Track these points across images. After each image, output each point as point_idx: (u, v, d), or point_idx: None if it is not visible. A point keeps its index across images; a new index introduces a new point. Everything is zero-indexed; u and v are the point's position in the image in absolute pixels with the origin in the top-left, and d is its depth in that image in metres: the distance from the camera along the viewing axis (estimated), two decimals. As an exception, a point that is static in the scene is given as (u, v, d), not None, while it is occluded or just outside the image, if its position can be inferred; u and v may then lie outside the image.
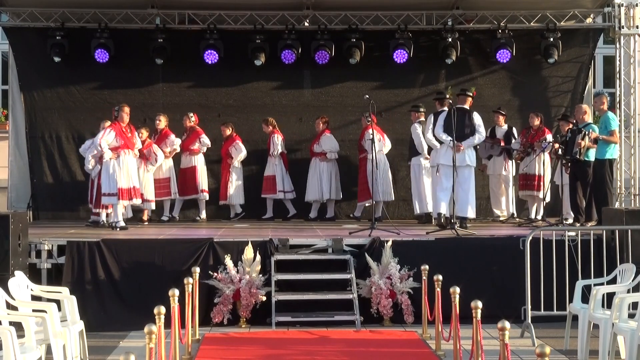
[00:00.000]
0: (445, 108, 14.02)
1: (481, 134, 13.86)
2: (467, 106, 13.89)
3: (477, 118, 13.82)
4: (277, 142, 16.17)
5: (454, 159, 13.24)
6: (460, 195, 13.53)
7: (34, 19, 16.27)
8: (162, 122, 15.82)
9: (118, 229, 13.47)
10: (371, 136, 13.95)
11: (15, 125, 16.81)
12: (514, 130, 15.91)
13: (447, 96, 14.82)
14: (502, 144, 15.68)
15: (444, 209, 13.75)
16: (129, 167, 13.80)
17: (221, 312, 11.21)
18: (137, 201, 14.11)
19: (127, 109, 13.94)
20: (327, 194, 16.30)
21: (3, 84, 19.56)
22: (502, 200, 15.94)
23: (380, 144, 15.86)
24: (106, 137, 13.58)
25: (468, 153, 13.67)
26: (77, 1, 15.87)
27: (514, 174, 15.87)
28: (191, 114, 15.98)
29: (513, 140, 15.70)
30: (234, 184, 16.21)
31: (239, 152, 16.15)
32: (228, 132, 16.27)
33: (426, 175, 15.38)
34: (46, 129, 16.79)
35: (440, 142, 13.85)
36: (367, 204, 15.99)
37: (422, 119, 15.45)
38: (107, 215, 14.28)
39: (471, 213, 13.76)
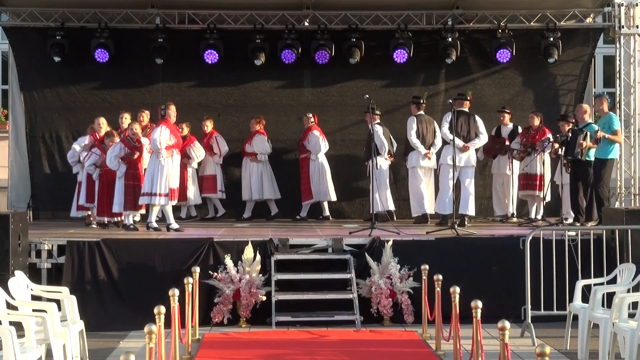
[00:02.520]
0: (422, 112, 15.14)
1: (485, 135, 14.85)
2: (466, 109, 14.60)
3: (480, 121, 14.64)
4: (224, 143, 16.18)
5: (454, 159, 13.63)
6: (464, 193, 14.39)
7: (34, 19, 16.26)
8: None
9: (172, 230, 13.26)
10: (372, 132, 13.99)
11: (15, 125, 16.80)
12: (519, 129, 15.86)
13: (423, 101, 15.19)
14: (507, 142, 15.67)
15: (449, 210, 14.33)
16: (178, 167, 13.63)
17: (221, 311, 11.23)
18: (174, 202, 13.83)
19: (173, 107, 13.61)
20: (256, 194, 16.26)
21: (3, 83, 19.54)
22: (505, 200, 15.90)
23: (324, 145, 16.17)
24: (164, 135, 13.13)
25: (472, 154, 14.39)
26: (77, 1, 15.86)
27: (517, 174, 15.81)
28: (146, 112, 15.48)
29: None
30: (194, 185, 16.11)
31: (200, 153, 15.77)
32: (186, 131, 15.84)
33: (385, 176, 15.64)
34: (46, 128, 16.78)
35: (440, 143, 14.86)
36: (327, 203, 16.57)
37: (378, 120, 15.70)
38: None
39: (472, 210, 14.44)
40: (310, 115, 16.37)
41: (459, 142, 14.30)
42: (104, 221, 14.10)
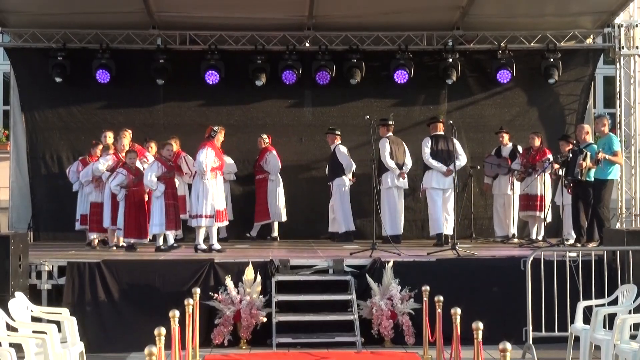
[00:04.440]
0: (390, 133, 15.46)
1: (464, 156, 15.12)
2: (441, 132, 15.05)
3: (457, 143, 14.76)
4: (191, 163, 15.56)
5: (449, 182, 14.35)
6: (446, 215, 14.80)
7: (36, 40, 16.32)
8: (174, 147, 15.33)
9: (215, 251, 13.16)
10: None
11: (16, 146, 16.83)
12: (519, 147, 15.87)
13: (391, 122, 15.56)
14: (509, 162, 15.67)
15: (444, 229, 14.78)
16: (222, 188, 13.67)
17: (222, 333, 11.19)
18: (224, 223, 13.81)
19: (224, 133, 13.79)
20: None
21: (4, 104, 19.59)
22: (506, 220, 15.87)
23: (279, 166, 16.32)
24: (209, 157, 13.23)
25: (453, 176, 14.30)
26: (79, 22, 15.93)
27: (518, 194, 15.78)
28: (128, 131, 15.13)
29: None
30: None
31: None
32: (175, 147, 15.21)
33: (347, 196, 15.99)
34: (47, 149, 16.79)
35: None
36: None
37: (340, 141, 16.05)
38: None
39: (450, 230, 14.37)
40: (265, 136, 16.43)
41: (443, 167, 14.79)
42: (131, 243, 13.75)
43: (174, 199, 13.77)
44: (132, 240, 13.75)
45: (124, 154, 14.31)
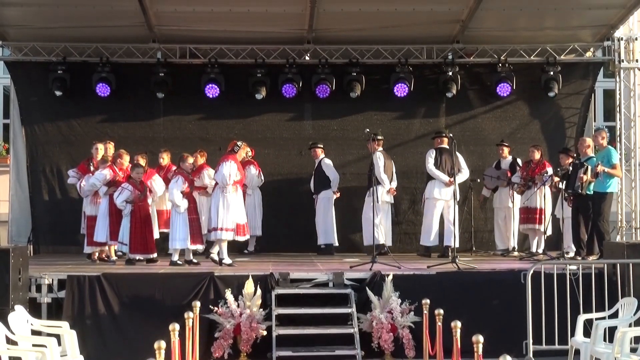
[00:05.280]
0: (381, 148, 15.50)
1: (466, 170, 15.38)
2: (446, 146, 15.22)
3: (460, 157, 15.19)
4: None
5: (451, 193, 14.26)
6: (448, 226, 15.04)
7: (36, 53, 16.34)
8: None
9: (225, 265, 13.07)
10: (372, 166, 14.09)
11: (16, 159, 16.82)
12: (519, 160, 15.87)
13: (380, 137, 15.58)
14: (509, 174, 15.67)
15: (434, 243, 15.29)
16: (242, 202, 13.59)
17: (222, 346, 11.18)
18: (243, 238, 13.63)
19: (246, 149, 13.96)
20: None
21: (5, 117, 19.58)
22: (507, 233, 15.86)
23: (260, 179, 16.24)
24: (231, 169, 13.15)
25: (455, 187, 14.31)
26: (79, 36, 15.95)
27: (519, 207, 15.77)
28: (111, 143, 15.16)
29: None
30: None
31: (161, 188, 14.47)
32: (142, 163, 14.79)
33: (333, 209, 16.11)
34: (47, 162, 16.78)
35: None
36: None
37: (324, 154, 16.24)
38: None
39: (457, 242, 14.13)
40: (248, 149, 16.18)
41: (445, 178, 14.98)
42: (137, 258, 13.57)
43: (196, 213, 13.67)
44: (138, 257, 13.60)
45: (126, 167, 14.25)
